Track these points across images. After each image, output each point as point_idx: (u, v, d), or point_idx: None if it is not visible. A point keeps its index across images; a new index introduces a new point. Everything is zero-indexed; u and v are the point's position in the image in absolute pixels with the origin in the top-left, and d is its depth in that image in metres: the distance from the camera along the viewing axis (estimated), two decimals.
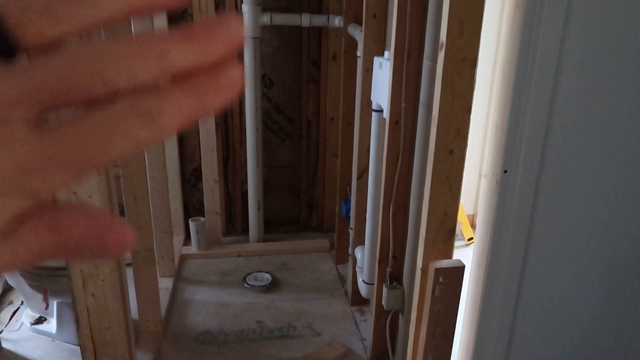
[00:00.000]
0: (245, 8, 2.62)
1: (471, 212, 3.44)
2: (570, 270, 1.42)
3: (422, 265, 1.42)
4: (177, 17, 2.78)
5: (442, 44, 1.23)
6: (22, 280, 2.11)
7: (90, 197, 1.43)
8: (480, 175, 3.34)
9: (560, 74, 1.21)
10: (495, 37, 2.93)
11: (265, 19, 2.66)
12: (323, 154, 3.14)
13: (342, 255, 2.85)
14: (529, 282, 1.40)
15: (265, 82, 2.95)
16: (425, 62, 1.61)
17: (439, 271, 1.36)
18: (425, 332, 1.42)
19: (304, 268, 2.85)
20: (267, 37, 2.85)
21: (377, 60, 1.88)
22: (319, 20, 2.74)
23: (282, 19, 2.70)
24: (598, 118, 1.26)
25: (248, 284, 2.65)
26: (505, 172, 1.27)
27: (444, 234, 1.40)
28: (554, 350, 1.52)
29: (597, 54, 1.21)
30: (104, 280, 1.49)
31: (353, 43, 2.45)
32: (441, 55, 1.24)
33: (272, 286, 2.65)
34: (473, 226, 3.37)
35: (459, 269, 1.38)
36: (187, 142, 3.04)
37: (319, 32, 2.90)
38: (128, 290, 1.63)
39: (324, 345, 2.17)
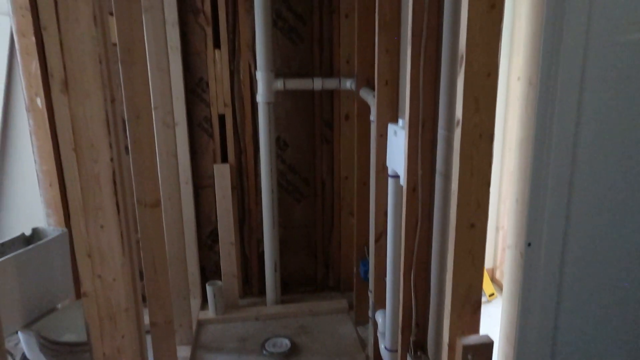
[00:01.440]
0: (259, 75, 2.70)
1: (490, 266, 3.38)
2: (602, 343, 1.37)
3: (449, 340, 1.39)
4: (194, 86, 2.87)
5: (459, 120, 1.25)
6: (42, 356, 2.09)
7: (114, 279, 1.43)
8: (497, 229, 3.31)
9: (578, 148, 1.21)
10: (502, 106, 2.96)
11: (279, 84, 2.74)
12: (338, 212, 3.14)
13: (362, 317, 2.80)
14: (561, 357, 1.35)
15: (279, 144, 3.00)
16: (440, 131, 1.63)
17: (467, 348, 1.33)
18: None
19: (323, 331, 2.79)
20: (281, 100, 2.92)
21: (391, 127, 1.91)
22: (330, 83, 2.80)
23: (295, 84, 2.78)
24: (619, 188, 1.26)
25: (267, 350, 2.60)
26: (530, 245, 1.26)
27: (470, 307, 1.37)
28: None
29: (613, 124, 1.22)
30: None
31: (365, 106, 2.50)
32: (458, 132, 1.26)
33: (292, 353, 2.59)
34: (493, 280, 3.30)
35: (488, 346, 1.34)
36: (203, 205, 3.06)
37: (331, 93, 2.96)
38: None
39: None
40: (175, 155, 2.46)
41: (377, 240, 2.25)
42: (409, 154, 1.68)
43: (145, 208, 1.94)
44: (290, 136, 3.02)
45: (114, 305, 1.46)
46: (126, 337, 1.46)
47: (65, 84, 1.28)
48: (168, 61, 2.31)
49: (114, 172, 1.36)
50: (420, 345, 1.87)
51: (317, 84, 2.79)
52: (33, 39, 2.66)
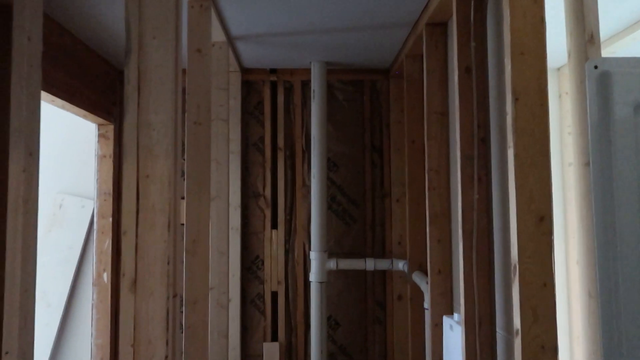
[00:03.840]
0: (313, 255, 2.78)
1: None
2: None
3: None
4: (250, 263, 2.97)
5: (517, 330, 1.21)
6: None
7: None
8: None
9: None
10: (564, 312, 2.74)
11: (332, 264, 2.79)
12: None
13: None
14: None
15: (330, 323, 2.95)
16: (499, 332, 1.57)
17: None
18: None
19: None
20: (333, 279, 2.94)
21: (447, 320, 1.86)
22: (382, 264, 2.83)
23: (347, 264, 2.83)
24: None
25: None
26: None
27: None
28: None
29: None
30: None
31: (419, 290, 2.47)
32: (518, 342, 1.21)
33: None
34: None
35: None
36: None
37: (383, 273, 2.97)
38: None
39: None
40: (227, 336, 2.46)
41: None
42: (467, 354, 1.60)
43: None
44: (341, 315, 2.98)
45: None
46: None
47: (135, 283, 1.38)
48: (228, 244, 2.45)
49: None
50: None
51: (370, 264, 2.82)
52: (110, 219, 2.92)
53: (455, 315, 1.79)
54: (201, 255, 1.88)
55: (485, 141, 1.63)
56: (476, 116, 1.61)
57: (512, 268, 1.24)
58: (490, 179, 1.63)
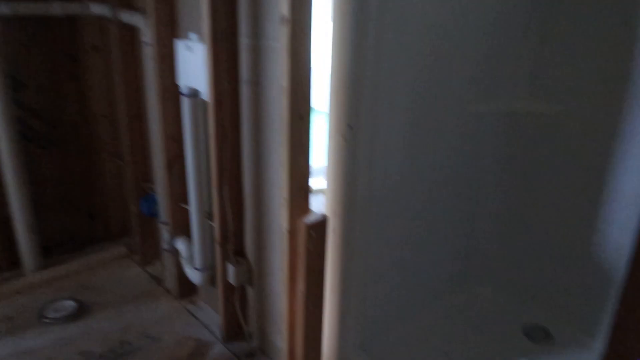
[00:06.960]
0: None
1: None
2: (407, 223, 1.75)
3: (289, 227, 1.53)
4: None
5: (286, 18, 1.35)
6: None
7: None
8: None
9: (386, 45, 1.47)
10: None
11: (5, 8, 2.25)
12: (97, 156, 2.85)
13: (149, 256, 2.70)
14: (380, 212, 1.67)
15: (14, 84, 2.50)
16: (245, 40, 1.69)
17: (309, 227, 1.50)
18: (304, 285, 1.55)
19: (109, 282, 2.59)
20: (12, 32, 2.41)
21: (182, 43, 1.85)
22: (72, 8, 2.45)
23: (27, 8, 2.32)
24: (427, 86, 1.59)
25: (48, 318, 2.28)
26: (351, 127, 1.49)
27: (303, 193, 1.54)
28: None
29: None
30: None
31: (126, 31, 2.32)
32: (286, 29, 1.36)
33: (81, 312, 2.34)
34: None
35: (325, 222, 1.55)
36: None
37: (73, 24, 2.59)
38: None
39: (172, 347, 2.08)
40: None
41: (170, 167, 2.18)
42: (213, 66, 1.69)
43: None
44: (27, 74, 2.54)
45: None
46: None
47: None
48: None
49: None
50: (238, 253, 1.98)
51: (56, 8, 2.39)
52: None
53: (193, 35, 1.80)
54: None
55: None
56: None
57: None
58: None
